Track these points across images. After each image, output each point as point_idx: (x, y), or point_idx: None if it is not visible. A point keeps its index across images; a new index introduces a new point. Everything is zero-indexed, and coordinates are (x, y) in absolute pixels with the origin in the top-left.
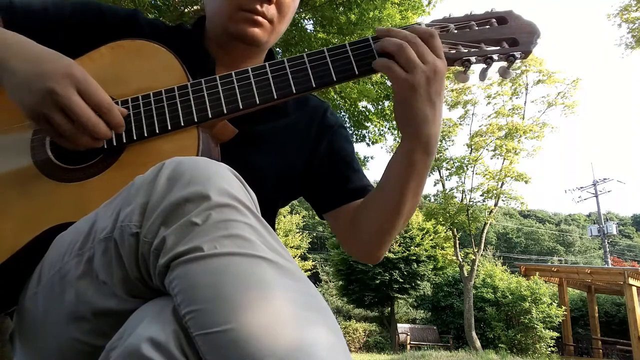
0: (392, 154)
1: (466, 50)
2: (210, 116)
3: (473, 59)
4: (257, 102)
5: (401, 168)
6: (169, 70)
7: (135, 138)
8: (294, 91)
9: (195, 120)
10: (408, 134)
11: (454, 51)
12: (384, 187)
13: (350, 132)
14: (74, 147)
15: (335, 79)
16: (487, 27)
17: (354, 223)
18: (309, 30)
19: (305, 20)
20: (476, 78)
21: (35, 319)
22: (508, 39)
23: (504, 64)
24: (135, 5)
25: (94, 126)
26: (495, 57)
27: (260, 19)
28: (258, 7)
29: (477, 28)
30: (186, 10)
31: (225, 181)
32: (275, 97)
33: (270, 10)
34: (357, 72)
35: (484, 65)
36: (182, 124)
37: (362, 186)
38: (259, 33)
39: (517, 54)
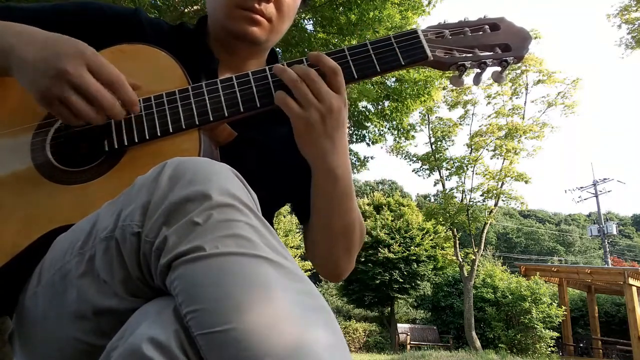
0: (392, 154)
1: (461, 56)
2: (211, 119)
3: (467, 63)
4: (258, 105)
5: (317, 196)
6: (170, 73)
7: (136, 140)
8: None
9: (197, 122)
10: (312, 165)
11: (448, 56)
12: (313, 213)
13: (350, 132)
14: (92, 123)
15: None
16: (481, 33)
17: (310, 241)
18: (309, 31)
19: (305, 21)
20: (471, 82)
21: (35, 318)
22: (501, 45)
23: (497, 68)
24: (135, 5)
25: (110, 105)
26: (489, 62)
27: (258, 17)
28: (256, 5)
29: (470, 34)
30: (186, 10)
31: (226, 181)
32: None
33: (269, 8)
34: None
35: (478, 70)
36: (184, 127)
37: None
38: (257, 32)
39: (510, 59)
